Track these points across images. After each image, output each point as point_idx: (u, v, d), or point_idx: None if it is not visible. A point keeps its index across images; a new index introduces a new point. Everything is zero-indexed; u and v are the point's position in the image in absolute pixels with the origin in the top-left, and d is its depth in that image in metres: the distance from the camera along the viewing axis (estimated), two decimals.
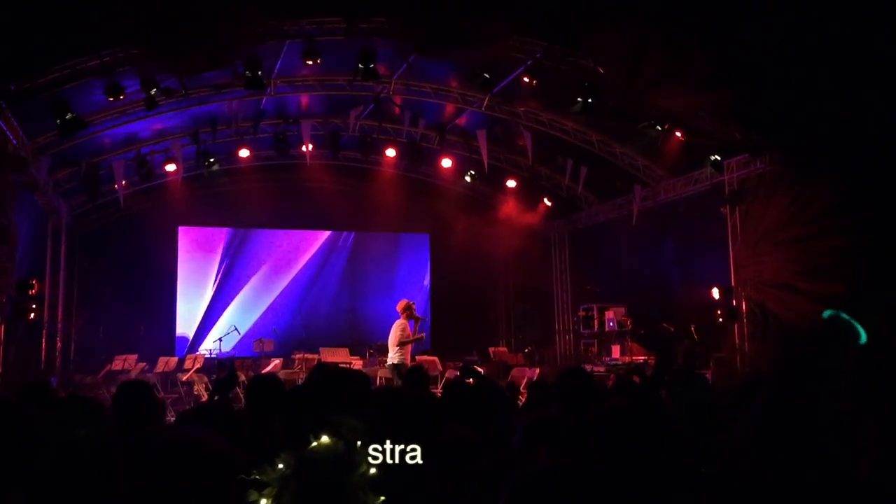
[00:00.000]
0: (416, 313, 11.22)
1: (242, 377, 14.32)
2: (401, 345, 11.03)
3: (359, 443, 2.05)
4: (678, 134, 12.32)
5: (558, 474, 1.81)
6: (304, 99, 14.64)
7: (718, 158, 12.38)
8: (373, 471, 2.00)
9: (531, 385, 8.06)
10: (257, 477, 1.96)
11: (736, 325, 12.41)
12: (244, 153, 15.04)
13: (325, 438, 2.03)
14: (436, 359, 15.05)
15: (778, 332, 11.55)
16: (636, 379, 10.63)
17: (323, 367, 5.03)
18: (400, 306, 11.30)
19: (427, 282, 19.50)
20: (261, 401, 4.05)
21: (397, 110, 14.43)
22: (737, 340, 12.45)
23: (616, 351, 12.81)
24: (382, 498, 1.98)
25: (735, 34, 9.18)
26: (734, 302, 12.45)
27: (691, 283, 13.62)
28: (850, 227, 10.05)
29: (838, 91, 9.37)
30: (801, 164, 11.17)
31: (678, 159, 13.22)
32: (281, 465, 1.97)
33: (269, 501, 1.92)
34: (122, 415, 3.77)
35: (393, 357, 11.08)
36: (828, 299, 10.32)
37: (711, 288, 12.67)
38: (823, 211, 10.65)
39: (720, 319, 12.52)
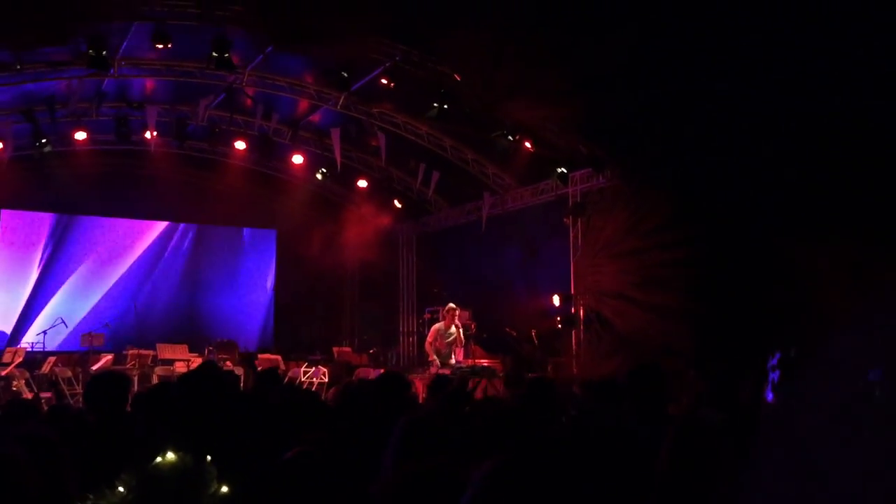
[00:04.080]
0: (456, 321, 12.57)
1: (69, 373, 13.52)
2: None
3: (209, 457, 1.93)
4: (528, 145, 12.71)
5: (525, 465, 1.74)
6: (150, 83, 13.97)
7: (564, 171, 12.86)
8: (224, 489, 1.88)
9: None
10: (97, 500, 1.79)
11: (574, 332, 12.94)
12: (81, 136, 14.11)
13: (170, 454, 1.89)
14: (278, 357, 14.80)
15: (611, 339, 12.18)
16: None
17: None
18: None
19: (271, 279, 19.10)
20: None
21: (249, 102, 14.06)
22: (573, 346, 12.99)
23: (460, 354, 13.02)
24: None
25: (584, 51, 9.58)
26: (573, 309, 12.98)
27: (534, 290, 14.09)
28: (681, 241, 10.75)
29: (673, 112, 9.99)
30: (639, 180, 11.83)
31: (526, 169, 13.64)
32: (121, 488, 1.80)
33: None
34: None
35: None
36: (659, 309, 11.01)
37: (552, 295, 13.16)
38: (657, 226, 11.32)
39: (559, 326, 13.01)
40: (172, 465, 1.87)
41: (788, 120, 8.52)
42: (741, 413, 3.89)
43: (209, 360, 6.31)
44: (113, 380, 3.95)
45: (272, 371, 5.64)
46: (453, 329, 12.50)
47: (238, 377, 5.45)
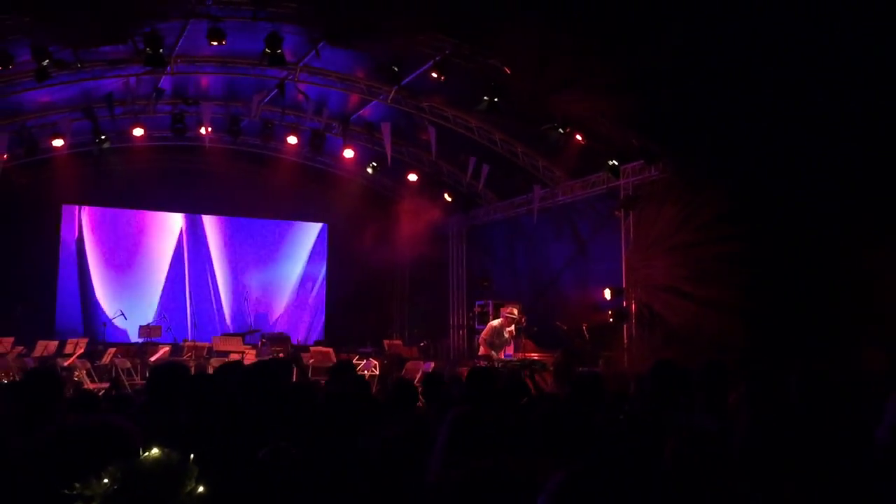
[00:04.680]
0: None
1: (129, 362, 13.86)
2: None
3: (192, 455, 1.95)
4: (578, 137, 12.62)
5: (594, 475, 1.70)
6: (205, 80, 14.23)
7: (616, 163, 12.74)
8: (201, 489, 1.91)
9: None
10: (83, 491, 1.82)
11: (625, 326, 12.84)
12: (138, 132, 14.47)
13: (155, 450, 1.93)
14: (330, 350, 14.95)
15: (663, 333, 12.04)
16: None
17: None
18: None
19: (323, 272, 19.32)
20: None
21: (301, 97, 14.21)
22: (625, 340, 12.89)
23: (510, 348, 13.04)
24: None
25: (637, 44, 9.47)
26: (624, 303, 12.87)
27: (584, 284, 14.02)
28: (734, 235, 10.58)
29: (728, 106, 9.82)
30: (692, 173, 11.66)
31: (577, 162, 13.54)
32: (106, 480, 1.84)
33: None
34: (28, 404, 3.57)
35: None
36: (711, 303, 10.85)
37: (603, 289, 13.06)
38: (710, 220, 11.15)
39: (610, 319, 12.91)
40: (156, 460, 1.92)
41: (851, 115, 8.32)
42: (776, 414, 3.81)
43: (232, 362, 6.43)
44: (173, 370, 4.04)
45: (347, 363, 5.75)
46: (505, 333, 12.62)
47: (291, 367, 5.53)
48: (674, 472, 2.62)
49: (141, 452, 2.18)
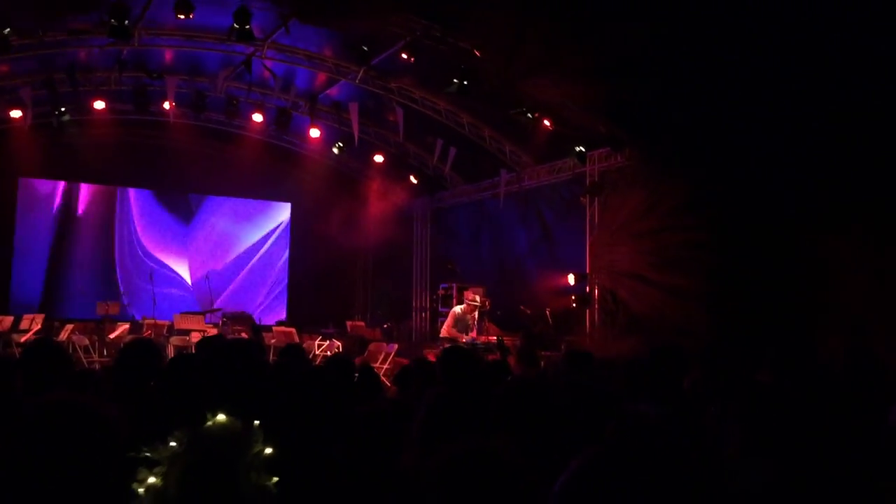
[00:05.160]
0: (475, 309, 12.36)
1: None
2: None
3: (256, 422, 1.98)
4: (546, 123, 12.65)
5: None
6: (169, 54, 13.95)
7: (583, 150, 12.80)
8: (268, 450, 1.94)
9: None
10: (149, 454, 1.87)
11: (588, 311, 12.96)
12: (99, 105, 14.14)
13: (221, 416, 1.96)
14: (293, 330, 14.86)
15: (626, 319, 12.18)
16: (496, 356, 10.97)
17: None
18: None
19: (286, 252, 19.17)
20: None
21: (267, 74, 14.02)
22: (588, 325, 13.01)
23: (473, 332, 13.07)
24: (276, 479, 1.93)
25: (608, 31, 9.51)
26: (588, 289, 12.98)
27: (549, 269, 14.10)
28: (698, 223, 10.71)
29: (694, 95, 9.92)
30: (658, 161, 11.77)
31: (544, 147, 13.58)
32: (174, 443, 1.89)
33: (159, 480, 1.85)
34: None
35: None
36: (675, 290, 10.99)
37: (567, 274, 13.16)
38: (675, 207, 11.27)
39: (574, 305, 13.02)
40: (222, 425, 1.95)
41: (814, 104, 8.45)
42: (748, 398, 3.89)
43: (214, 336, 6.36)
44: (145, 348, 3.98)
45: (295, 347, 5.65)
46: (468, 318, 12.50)
47: (263, 347, 5.48)
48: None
49: (116, 429, 2.17)
